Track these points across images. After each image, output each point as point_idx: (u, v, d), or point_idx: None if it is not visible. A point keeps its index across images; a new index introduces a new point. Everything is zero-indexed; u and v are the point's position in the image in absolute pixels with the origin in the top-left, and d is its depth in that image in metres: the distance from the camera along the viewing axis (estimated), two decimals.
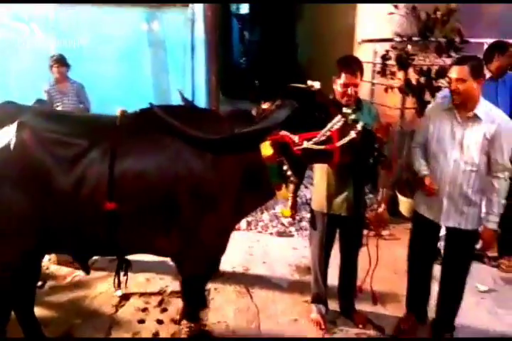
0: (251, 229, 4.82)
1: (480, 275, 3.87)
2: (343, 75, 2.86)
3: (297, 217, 4.92)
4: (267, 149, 2.45)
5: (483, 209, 2.85)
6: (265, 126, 2.43)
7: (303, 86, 2.61)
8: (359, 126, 2.55)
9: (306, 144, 2.46)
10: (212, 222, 2.49)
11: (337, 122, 2.51)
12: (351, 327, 3.25)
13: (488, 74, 3.62)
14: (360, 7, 5.96)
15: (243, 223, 4.80)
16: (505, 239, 4.16)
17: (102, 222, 2.33)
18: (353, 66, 2.89)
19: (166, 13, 5.80)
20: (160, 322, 3.25)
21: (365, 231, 3.24)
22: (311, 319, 3.28)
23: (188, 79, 5.88)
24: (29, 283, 2.72)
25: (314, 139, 2.48)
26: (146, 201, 2.36)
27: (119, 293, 3.55)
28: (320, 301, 3.32)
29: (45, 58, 5.06)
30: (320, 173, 3.08)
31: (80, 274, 3.76)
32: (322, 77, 2.96)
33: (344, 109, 2.62)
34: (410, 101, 4.76)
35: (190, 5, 5.72)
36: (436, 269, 3.15)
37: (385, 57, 4.77)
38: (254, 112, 2.60)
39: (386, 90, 4.79)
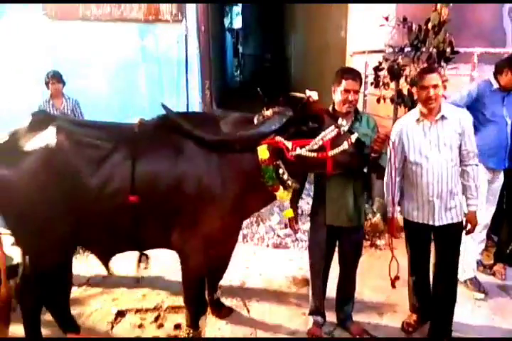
0: (247, 242, 4.79)
1: None
2: (343, 81, 2.90)
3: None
4: (264, 153, 2.59)
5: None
6: (260, 131, 2.62)
7: (302, 95, 2.69)
8: (353, 138, 2.60)
9: (299, 151, 2.58)
10: (215, 218, 2.73)
11: (330, 132, 2.59)
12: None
13: (496, 85, 3.69)
14: (351, 20, 6.03)
15: (239, 236, 4.77)
16: (501, 247, 4.17)
17: (126, 214, 2.62)
18: (352, 73, 2.96)
19: (159, 29, 5.86)
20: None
21: None
22: (308, 331, 3.24)
23: (182, 94, 5.93)
24: (63, 279, 3.04)
25: (307, 147, 2.58)
26: (160, 197, 2.65)
27: (115, 309, 3.52)
28: (318, 313, 3.29)
29: (39, 73, 5.09)
30: (320, 185, 3.09)
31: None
32: (315, 89, 2.98)
33: (340, 121, 2.67)
34: (403, 112, 4.79)
35: (184, 20, 5.79)
36: None
37: (377, 68, 4.82)
38: (256, 118, 2.73)
39: (378, 101, 4.82)
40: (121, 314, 3.49)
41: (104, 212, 2.64)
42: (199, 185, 2.65)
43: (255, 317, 3.48)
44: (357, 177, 3.00)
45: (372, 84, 4.97)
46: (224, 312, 3.46)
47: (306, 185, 3.36)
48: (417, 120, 3.02)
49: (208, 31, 6.47)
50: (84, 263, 4.09)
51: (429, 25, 4.36)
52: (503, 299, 3.77)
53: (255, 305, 3.64)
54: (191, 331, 3.01)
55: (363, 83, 5.32)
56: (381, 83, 4.83)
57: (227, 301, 3.61)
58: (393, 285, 3.04)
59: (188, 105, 5.90)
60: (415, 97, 4.43)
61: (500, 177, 3.85)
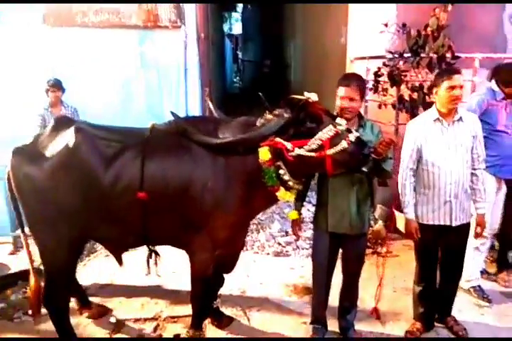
0: (247, 250, 4.73)
1: None
2: (340, 88, 2.89)
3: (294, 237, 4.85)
4: (264, 154, 2.65)
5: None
6: (260, 133, 2.68)
7: (301, 97, 2.68)
8: (351, 137, 2.57)
9: (298, 151, 2.59)
10: (221, 217, 2.81)
11: (328, 131, 2.59)
12: None
13: (500, 94, 3.68)
14: (351, 26, 6.01)
15: None
16: (504, 254, 4.14)
17: (136, 209, 2.75)
18: (350, 80, 2.92)
19: (158, 36, 5.84)
20: None
21: None
22: None
23: (181, 101, 5.90)
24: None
25: (306, 147, 2.60)
26: (168, 195, 2.75)
27: (113, 319, 3.46)
28: (319, 322, 3.24)
29: (38, 80, 5.07)
30: (322, 191, 3.05)
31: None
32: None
33: (338, 120, 2.68)
34: (404, 117, 4.76)
35: (183, 27, 5.77)
36: None
37: (377, 74, 4.80)
38: (258, 122, 2.78)
39: (380, 106, 4.80)
40: (119, 324, 3.44)
41: (116, 206, 2.79)
42: (206, 186, 2.75)
43: (256, 326, 3.43)
44: (360, 183, 2.97)
45: (371, 89, 4.95)
46: (224, 322, 3.41)
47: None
48: (435, 120, 3.05)
49: (207, 37, 6.45)
50: (83, 273, 4.05)
51: (428, 30, 4.35)
52: (507, 306, 3.72)
53: (256, 314, 3.59)
54: (193, 331, 3.07)
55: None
56: (380, 89, 4.81)
57: (227, 310, 3.56)
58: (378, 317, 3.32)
59: (187, 111, 5.87)
60: (417, 102, 4.48)
61: (504, 187, 3.85)
